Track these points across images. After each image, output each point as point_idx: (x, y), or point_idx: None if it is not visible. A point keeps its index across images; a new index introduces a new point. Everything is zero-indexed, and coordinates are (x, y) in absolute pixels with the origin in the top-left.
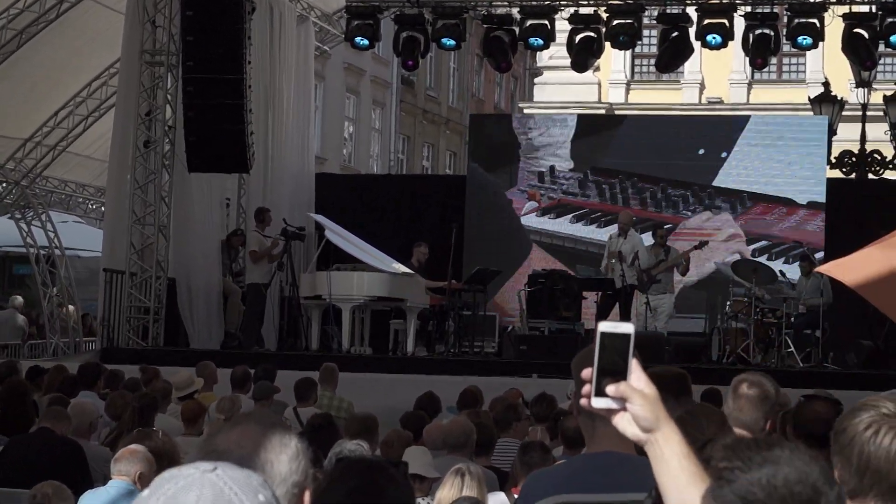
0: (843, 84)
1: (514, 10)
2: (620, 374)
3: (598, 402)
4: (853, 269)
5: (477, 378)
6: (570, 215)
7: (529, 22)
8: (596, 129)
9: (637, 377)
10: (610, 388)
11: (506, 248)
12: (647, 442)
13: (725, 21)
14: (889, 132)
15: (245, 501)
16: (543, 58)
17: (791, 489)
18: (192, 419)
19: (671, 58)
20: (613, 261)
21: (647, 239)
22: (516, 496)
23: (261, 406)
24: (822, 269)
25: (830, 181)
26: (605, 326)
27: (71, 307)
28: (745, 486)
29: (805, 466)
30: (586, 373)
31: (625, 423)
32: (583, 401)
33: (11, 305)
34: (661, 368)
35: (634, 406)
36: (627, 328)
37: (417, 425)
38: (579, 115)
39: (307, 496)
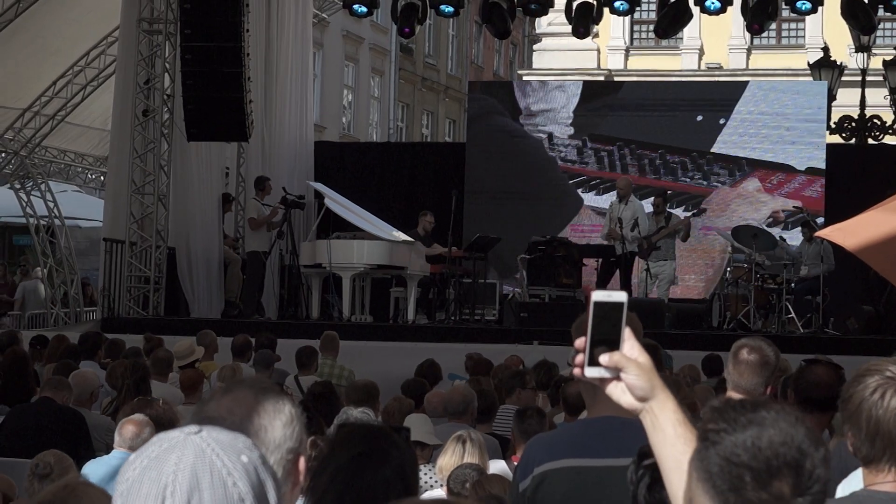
0: (843, 49)
1: None
2: (614, 344)
3: (591, 372)
4: (854, 232)
5: (478, 345)
6: (569, 182)
7: None
8: (594, 95)
9: (630, 346)
10: (603, 358)
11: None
12: (641, 410)
13: None
14: (889, 97)
15: (227, 462)
16: (542, 24)
17: (776, 451)
18: (191, 387)
19: (670, 23)
20: (614, 226)
21: (649, 207)
22: (516, 464)
23: (261, 374)
24: (822, 233)
25: (830, 147)
26: (598, 296)
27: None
28: (729, 447)
29: (790, 428)
30: (579, 342)
31: (619, 393)
32: (576, 371)
33: (35, 276)
34: None
35: (629, 375)
36: (620, 297)
37: (418, 392)
38: (584, 82)
39: (302, 462)
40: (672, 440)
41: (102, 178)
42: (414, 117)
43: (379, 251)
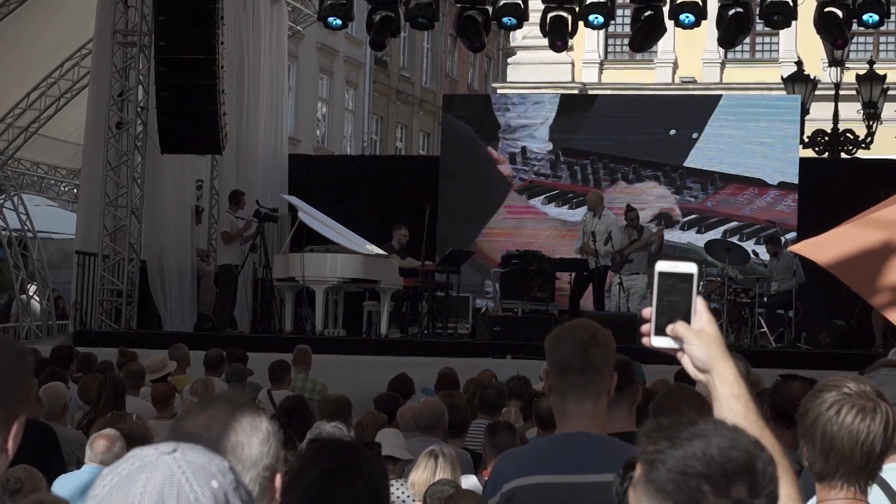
0: (816, 63)
1: None
2: (680, 314)
3: (657, 342)
4: (826, 248)
5: (451, 359)
6: (542, 196)
7: (503, 1)
8: (570, 109)
9: (699, 317)
10: (668, 328)
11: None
12: (705, 382)
13: (699, 0)
14: (861, 111)
15: (196, 487)
16: (517, 38)
17: (727, 456)
18: (163, 402)
19: (644, 37)
20: (587, 240)
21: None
22: (486, 479)
23: (234, 388)
24: (795, 248)
25: (803, 161)
26: (662, 266)
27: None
28: (681, 461)
29: (733, 434)
30: (646, 311)
31: (686, 363)
32: (643, 339)
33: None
34: None
35: (690, 346)
36: (689, 268)
37: (391, 407)
38: (561, 96)
39: (278, 479)
40: (725, 412)
41: (75, 190)
42: (388, 130)
43: (352, 265)
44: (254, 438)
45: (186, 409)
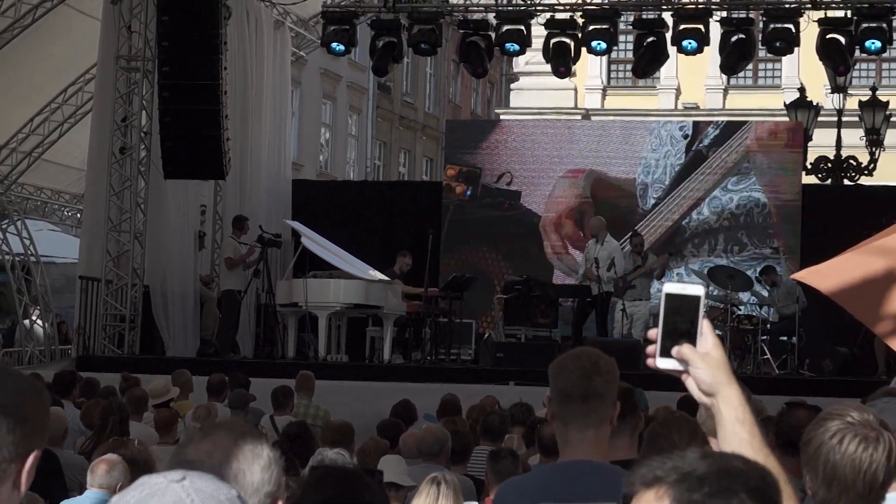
0: (819, 89)
1: (491, 16)
2: (687, 336)
3: (663, 363)
4: (828, 275)
5: (453, 385)
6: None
7: (506, 27)
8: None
9: (705, 340)
10: (673, 350)
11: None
12: (710, 405)
13: (701, 26)
14: (864, 138)
15: None
16: (520, 63)
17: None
18: (165, 427)
19: (648, 63)
20: (590, 266)
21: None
22: None
23: (236, 414)
24: (798, 276)
25: (806, 186)
26: (670, 287)
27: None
28: None
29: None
30: (652, 333)
31: (691, 385)
32: (648, 360)
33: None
34: None
35: (696, 369)
36: (696, 290)
37: (394, 433)
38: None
39: None
40: (729, 437)
41: (79, 215)
42: (391, 155)
43: (355, 290)
44: (255, 465)
45: (188, 436)
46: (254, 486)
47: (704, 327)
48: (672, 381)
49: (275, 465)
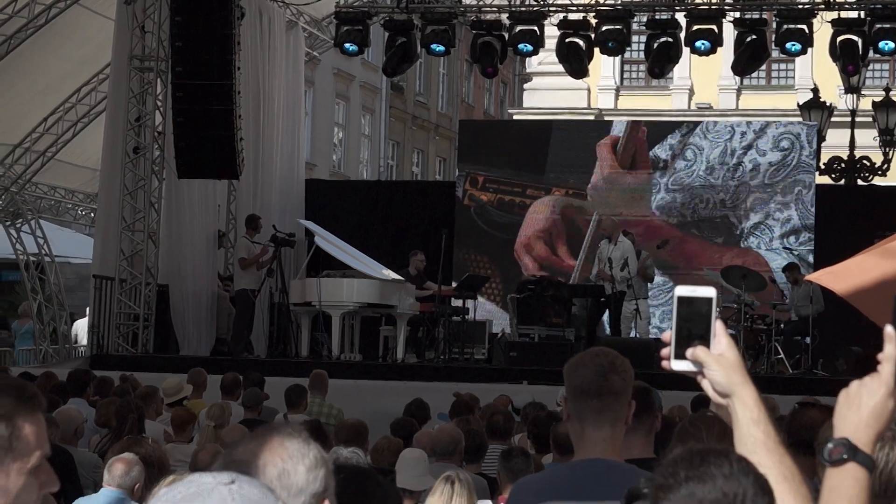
0: (832, 90)
1: (504, 16)
2: (700, 338)
3: (677, 365)
4: (844, 277)
5: (467, 385)
6: None
7: (519, 28)
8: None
9: (719, 342)
10: (688, 352)
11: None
12: (725, 406)
13: (714, 27)
14: (878, 138)
15: None
16: (533, 63)
17: None
18: (181, 426)
19: (663, 63)
20: (604, 266)
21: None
22: None
23: (250, 413)
24: (813, 276)
25: (819, 187)
26: (681, 290)
27: None
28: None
29: (726, 483)
30: (665, 335)
31: (706, 386)
32: (663, 363)
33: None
34: None
35: (710, 371)
36: (707, 292)
37: (407, 432)
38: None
39: None
40: (743, 438)
41: (92, 214)
42: (404, 155)
43: (369, 289)
44: (300, 466)
45: (238, 436)
46: (298, 486)
47: (718, 329)
48: (686, 381)
49: (321, 466)
